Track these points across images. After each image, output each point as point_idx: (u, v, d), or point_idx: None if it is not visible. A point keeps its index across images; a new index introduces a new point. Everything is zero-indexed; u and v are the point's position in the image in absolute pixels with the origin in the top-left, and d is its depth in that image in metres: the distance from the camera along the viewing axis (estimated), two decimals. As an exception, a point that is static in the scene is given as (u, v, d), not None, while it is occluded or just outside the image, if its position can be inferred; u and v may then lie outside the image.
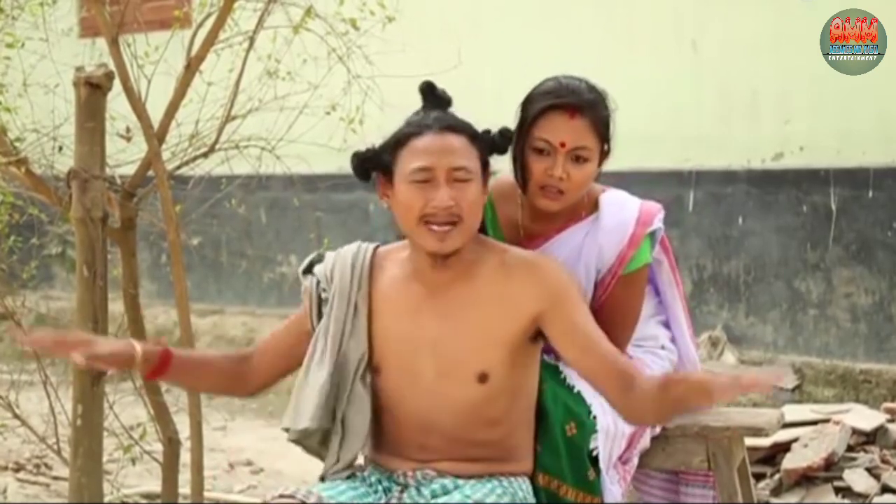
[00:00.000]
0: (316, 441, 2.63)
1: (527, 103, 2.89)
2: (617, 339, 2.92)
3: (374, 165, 2.57)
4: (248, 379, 2.68)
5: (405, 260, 2.62)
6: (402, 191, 2.52)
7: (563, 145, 2.83)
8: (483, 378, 2.54)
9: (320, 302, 2.66)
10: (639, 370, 2.56)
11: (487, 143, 2.56)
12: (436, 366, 2.56)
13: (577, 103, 2.84)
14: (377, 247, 2.69)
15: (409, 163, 2.50)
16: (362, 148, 2.60)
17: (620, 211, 2.96)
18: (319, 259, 2.70)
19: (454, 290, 2.56)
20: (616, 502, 2.94)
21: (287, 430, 2.63)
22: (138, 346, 2.54)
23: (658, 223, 2.96)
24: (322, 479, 2.61)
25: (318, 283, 2.66)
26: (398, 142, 2.53)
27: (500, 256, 2.59)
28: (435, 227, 2.49)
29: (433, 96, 2.59)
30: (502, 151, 2.60)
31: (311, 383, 2.60)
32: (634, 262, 2.93)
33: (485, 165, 2.57)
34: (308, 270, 2.70)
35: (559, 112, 2.84)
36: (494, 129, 2.61)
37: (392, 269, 2.63)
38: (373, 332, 2.61)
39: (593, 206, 2.97)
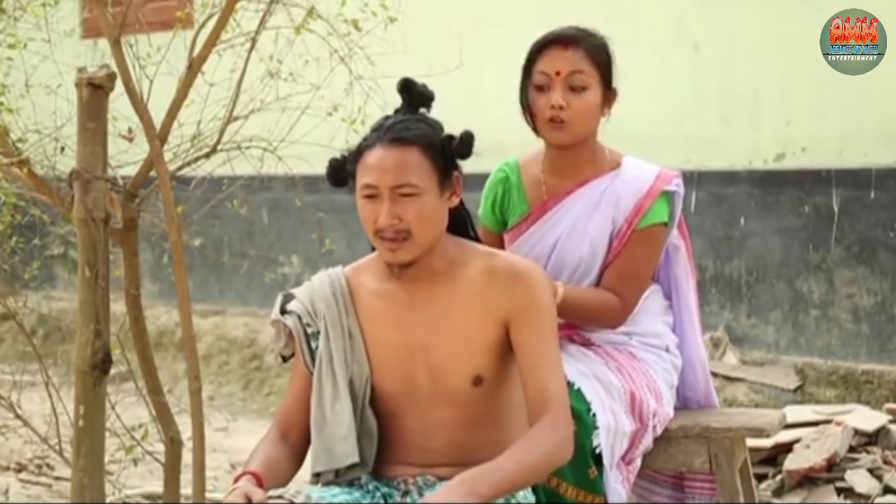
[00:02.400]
0: (348, 478, 2.60)
1: (529, 53, 3.06)
2: (625, 297, 3.04)
3: (344, 173, 2.58)
4: (299, 453, 2.64)
5: (382, 270, 2.61)
6: (359, 204, 2.54)
7: (558, 73, 3.00)
8: (478, 381, 2.55)
9: (308, 338, 2.63)
10: (551, 415, 2.48)
11: (445, 151, 2.53)
12: (430, 373, 2.56)
13: (569, 35, 3.03)
14: (345, 271, 2.67)
15: (360, 177, 2.53)
16: (338, 155, 2.60)
17: (641, 168, 3.11)
18: (288, 299, 2.67)
19: (438, 294, 2.56)
20: (621, 500, 2.95)
21: (318, 473, 2.57)
22: (256, 490, 2.45)
23: (675, 186, 3.08)
24: (316, 476, 2.60)
25: (300, 318, 2.63)
26: (357, 153, 2.54)
27: (487, 261, 2.58)
28: (386, 241, 2.50)
29: (411, 95, 2.57)
30: (464, 156, 2.56)
31: (334, 420, 2.57)
32: (650, 216, 3.04)
33: (446, 172, 2.54)
34: (283, 311, 2.65)
35: (553, 45, 3.03)
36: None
37: (370, 284, 2.62)
38: (368, 352, 2.61)
39: (616, 165, 3.11)
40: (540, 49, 3.05)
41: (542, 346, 2.52)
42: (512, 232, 3.19)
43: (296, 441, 2.63)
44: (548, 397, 2.48)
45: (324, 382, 2.59)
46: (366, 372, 2.59)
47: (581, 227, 3.07)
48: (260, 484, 2.49)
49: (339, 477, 2.58)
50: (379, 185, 2.49)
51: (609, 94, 3.07)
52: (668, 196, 3.08)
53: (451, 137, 2.55)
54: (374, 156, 2.50)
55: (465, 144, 2.54)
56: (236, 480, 2.49)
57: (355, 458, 2.55)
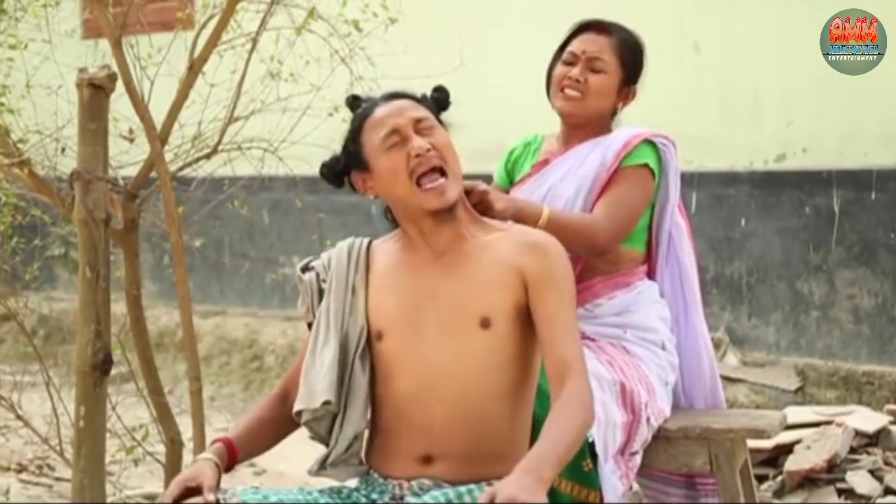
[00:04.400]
0: (325, 426, 2.61)
1: (567, 33, 3.31)
2: (612, 218, 3.15)
3: (345, 165, 2.65)
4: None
5: (401, 247, 2.66)
6: (382, 163, 2.58)
7: (584, 53, 3.24)
8: (485, 323, 2.53)
9: (321, 294, 2.69)
10: (574, 381, 2.47)
11: (432, 102, 2.67)
12: (437, 315, 2.56)
13: (604, 23, 3.28)
14: (371, 241, 2.73)
15: (375, 136, 2.59)
16: (326, 158, 2.67)
17: (633, 128, 3.31)
18: (316, 258, 2.75)
19: (456, 247, 2.60)
20: (617, 496, 2.94)
21: (300, 413, 2.60)
22: (213, 456, 2.50)
23: (662, 144, 3.25)
24: (322, 466, 2.61)
25: (318, 275, 2.71)
26: (356, 129, 2.63)
27: (509, 229, 2.64)
28: (428, 184, 2.54)
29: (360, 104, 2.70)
30: (445, 107, 2.69)
31: (318, 363, 2.60)
32: (636, 155, 3.21)
33: (439, 118, 2.66)
34: (306, 268, 2.75)
35: (588, 30, 3.28)
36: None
37: (388, 254, 2.68)
38: (372, 304, 2.62)
39: (611, 131, 3.32)
40: (576, 31, 3.29)
41: (561, 313, 2.52)
42: (516, 186, 3.35)
43: (291, 406, 2.64)
44: (568, 363, 2.48)
45: (319, 330, 2.64)
46: (360, 324, 2.61)
47: (572, 173, 3.22)
48: (232, 452, 2.54)
49: (317, 429, 2.59)
50: (401, 126, 2.58)
51: (627, 89, 3.29)
52: (657, 149, 3.24)
53: (425, 95, 2.69)
54: (383, 109, 2.62)
55: (442, 93, 2.70)
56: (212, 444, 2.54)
57: (329, 396, 2.56)
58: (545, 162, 3.31)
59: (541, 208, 3.05)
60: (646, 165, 3.20)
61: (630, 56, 3.28)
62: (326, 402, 2.57)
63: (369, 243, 2.72)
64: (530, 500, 2.19)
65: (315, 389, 2.58)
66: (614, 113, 3.32)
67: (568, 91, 3.23)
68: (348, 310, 2.63)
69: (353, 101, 2.73)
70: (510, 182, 3.40)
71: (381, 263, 2.67)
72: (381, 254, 2.69)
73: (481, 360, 2.53)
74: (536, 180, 3.28)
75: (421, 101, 2.66)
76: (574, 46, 3.26)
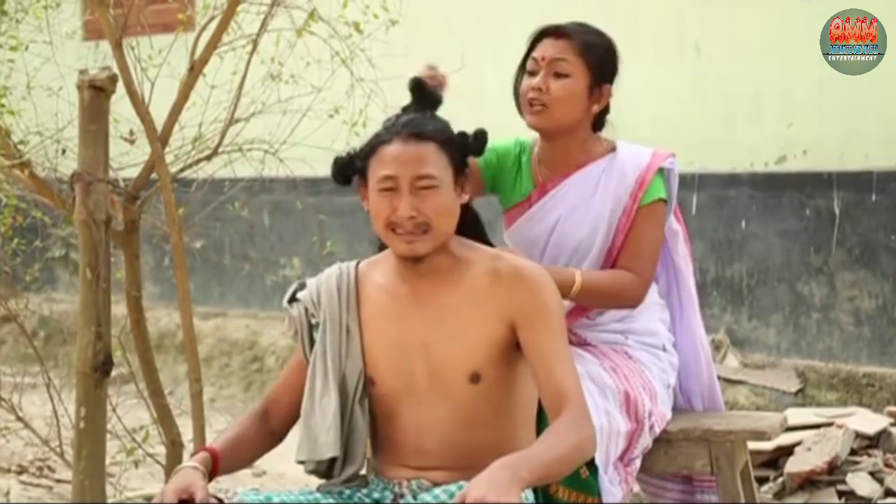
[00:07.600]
0: (326, 465, 2.63)
1: (528, 42, 3.17)
2: (640, 271, 3.11)
3: (352, 171, 2.60)
4: (276, 432, 2.68)
5: (390, 267, 2.63)
6: (372, 198, 2.55)
7: (543, 59, 3.10)
8: (475, 378, 2.54)
9: (311, 328, 2.67)
10: (572, 412, 2.46)
11: (460, 147, 2.57)
12: (428, 369, 2.56)
13: (561, 26, 3.14)
14: (358, 263, 2.70)
15: (376, 171, 2.53)
16: (343, 153, 2.62)
17: (636, 149, 3.19)
18: (301, 287, 2.71)
19: (441, 292, 2.57)
20: (616, 501, 2.94)
21: (303, 462, 2.62)
22: (200, 465, 2.49)
23: (670, 164, 3.16)
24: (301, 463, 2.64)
25: (306, 309, 2.68)
26: (370, 149, 2.56)
27: (492, 263, 2.58)
28: (402, 233, 2.52)
29: (422, 95, 2.59)
30: (477, 154, 2.61)
31: (320, 412, 2.61)
32: (651, 192, 3.12)
33: (459, 169, 2.57)
34: (292, 299, 2.70)
35: (546, 35, 3.15)
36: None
37: (377, 279, 2.64)
38: (365, 347, 2.62)
39: (611, 149, 3.18)
40: (536, 38, 3.16)
41: (554, 345, 2.51)
42: (512, 211, 3.24)
43: (276, 422, 2.67)
44: (566, 395, 2.47)
45: (316, 375, 2.63)
46: (359, 368, 2.61)
47: (583, 208, 3.13)
48: (215, 462, 2.52)
49: (319, 469, 2.60)
50: (399, 177, 2.50)
51: (598, 89, 3.12)
52: (664, 173, 3.15)
53: (465, 134, 2.58)
54: (393, 149, 2.52)
55: (480, 140, 2.59)
56: (192, 455, 2.54)
57: (335, 452, 2.58)
58: (542, 189, 3.19)
59: (572, 276, 2.98)
60: (660, 199, 3.14)
61: (594, 57, 3.11)
62: (329, 459, 2.59)
63: (357, 267, 2.68)
64: (501, 500, 2.18)
65: (319, 442, 2.59)
66: (600, 114, 3.17)
67: (533, 104, 3.09)
68: (345, 353, 2.63)
69: (417, 87, 2.59)
70: (494, 179, 3.24)
71: (372, 298, 2.63)
72: (370, 283, 2.65)
73: (471, 411, 2.56)
74: (539, 210, 3.18)
75: (446, 143, 2.54)
76: (535, 53, 3.13)
